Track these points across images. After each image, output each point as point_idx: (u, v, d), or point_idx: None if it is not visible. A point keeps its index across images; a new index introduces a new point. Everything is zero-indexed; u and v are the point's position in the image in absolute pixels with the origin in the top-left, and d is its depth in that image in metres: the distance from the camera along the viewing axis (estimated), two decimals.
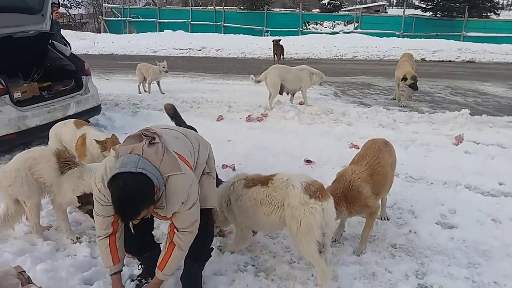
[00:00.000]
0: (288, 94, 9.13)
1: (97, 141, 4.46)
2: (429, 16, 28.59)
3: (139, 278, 3.11)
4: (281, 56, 17.28)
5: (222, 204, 3.30)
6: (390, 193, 4.31)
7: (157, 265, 2.62)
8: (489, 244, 3.73)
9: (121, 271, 2.76)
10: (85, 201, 3.41)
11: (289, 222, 2.96)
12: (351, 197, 3.39)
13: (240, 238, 3.50)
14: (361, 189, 3.41)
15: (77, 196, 3.40)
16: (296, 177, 3.10)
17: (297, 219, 2.90)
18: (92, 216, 3.44)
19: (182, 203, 2.42)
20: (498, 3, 31.99)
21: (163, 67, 9.90)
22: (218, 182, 3.49)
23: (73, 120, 5.03)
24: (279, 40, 17.27)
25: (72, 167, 3.55)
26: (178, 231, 2.54)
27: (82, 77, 6.85)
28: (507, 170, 5.42)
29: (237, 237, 3.54)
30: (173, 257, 2.58)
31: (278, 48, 17.01)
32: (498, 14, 30.43)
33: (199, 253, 2.86)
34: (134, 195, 2.19)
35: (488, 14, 29.44)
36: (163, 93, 10.24)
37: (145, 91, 10.50)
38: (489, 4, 29.29)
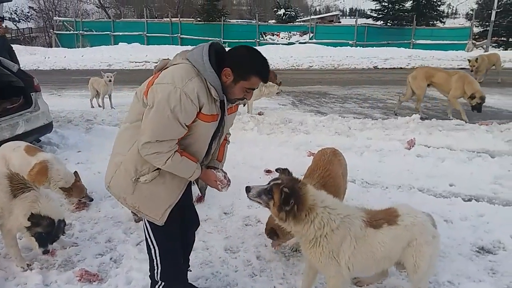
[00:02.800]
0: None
1: (63, 189, 4.37)
2: (380, 25, 29.81)
3: None
4: None
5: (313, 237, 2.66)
6: (347, 199, 4.40)
7: (217, 159, 2.82)
8: (443, 244, 3.83)
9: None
10: (36, 222, 3.25)
11: (420, 260, 2.75)
12: None
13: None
14: None
15: (31, 214, 3.22)
16: (418, 211, 2.91)
17: (430, 255, 2.76)
18: (38, 240, 3.30)
19: None
20: (443, 12, 33.84)
21: (107, 77, 9.60)
22: None
23: (23, 146, 4.71)
24: None
25: (25, 191, 3.37)
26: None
27: (31, 94, 6.55)
28: (457, 171, 5.71)
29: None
30: (225, 150, 2.92)
31: None
32: (444, 22, 32.20)
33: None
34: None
35: (435, 22, 31.08)
36: (113, 108, 10.03)
37: (99, 106, 10.22)
38: (435, 13, 30.94)
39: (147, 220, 2.63)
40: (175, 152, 2.38)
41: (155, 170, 2.46)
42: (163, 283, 2.78)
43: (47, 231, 3.28)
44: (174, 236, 2.75)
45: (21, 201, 3.32)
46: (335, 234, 2.62)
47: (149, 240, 2.70)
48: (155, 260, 2.72)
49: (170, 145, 2.35)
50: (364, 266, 2.77)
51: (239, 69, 2.36)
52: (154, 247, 2.70)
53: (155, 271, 2.75)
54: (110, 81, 9.64)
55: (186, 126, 2.35)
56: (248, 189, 2.64)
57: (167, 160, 2.36)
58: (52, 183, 4.39)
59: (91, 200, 4.64)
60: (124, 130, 2.57)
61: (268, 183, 2.65)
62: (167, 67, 2.45)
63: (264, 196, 2.60)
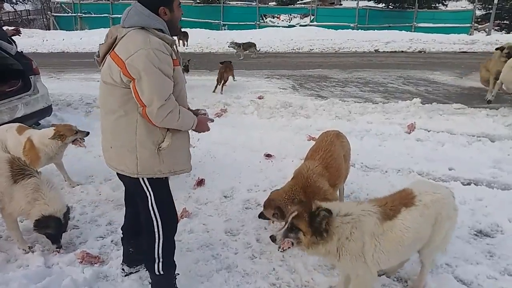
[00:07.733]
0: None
1: (54, 136, 4.34)
2: (381, 7, 29.38)
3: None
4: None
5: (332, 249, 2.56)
6: (347, 183, 4.42)
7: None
8: None
9: None
10: (44, 225, 3.31)
11: (436, 234, 2.74)
12: (311, 193, 3.43)
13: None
14: (318, 184, 3.46)
15: (36, 220, 3.27)
16: (437, 186, 2.96)
17: (448, 228, 2.77)
18: (50, 238, 3.39)
19: None
20: None
21: None
22: None
23: (15, 126, 4.72)
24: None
25: (26, 177, 3.36)
26: None
27: (30, 76, 6.51)
28: (456, 155, 5.72)
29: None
30: None
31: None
32: (446, 5, 31.72)
33: None
34: None
35: (437, 5, 30.66)
36: None
37: None
38: None
39: (153, 193, 2.67)
40: (178, 106, 2.51)
41: (167, 132, 2.56)
42: (162, 260, 2.80)
43: (56, 230, 3.37)
44: (174, 207, 2.86)
45: (22, 188, 3.31)
46: (351, 241, 2.52)
47: (151, 212, 2.71)
48: (157, 233, 2.74)
49: (173, 99, 2.47)
50: (395, 257, 2.70)
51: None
52: (156, 219, 2.73)
53: (156, 243, 2.76)
54: None
55: (172, 77, 2.48)
56: (273, 239, 2.58)
57: (179, 114, 2.49)
58: (47, 148, 4.40)
59: (87, 133, 4.59)
60: (116, 119, 2.55)
61: (286, 222, 2.58)
62: (117, 43, 2.48)
63: (291, 234, 2.53)
